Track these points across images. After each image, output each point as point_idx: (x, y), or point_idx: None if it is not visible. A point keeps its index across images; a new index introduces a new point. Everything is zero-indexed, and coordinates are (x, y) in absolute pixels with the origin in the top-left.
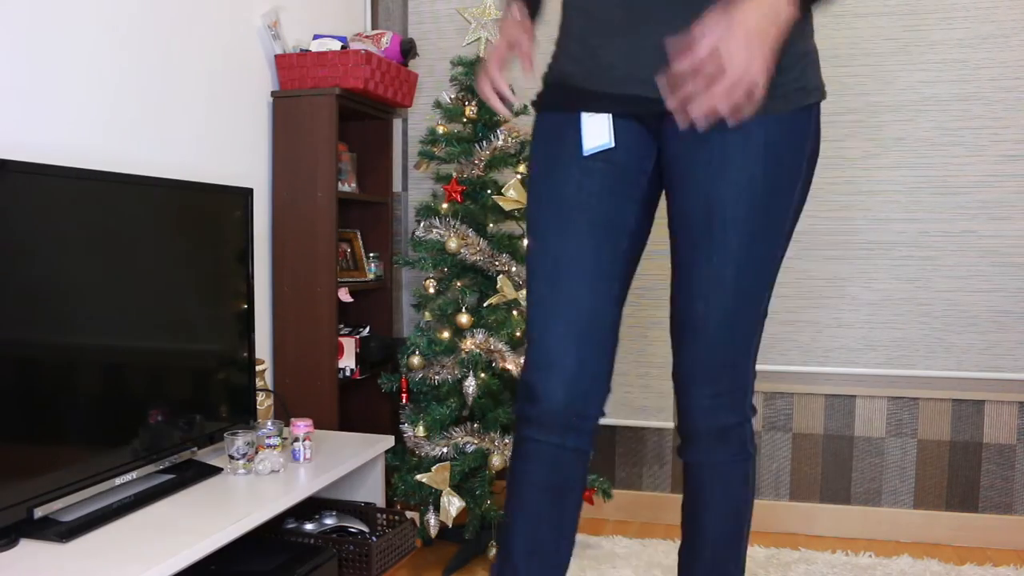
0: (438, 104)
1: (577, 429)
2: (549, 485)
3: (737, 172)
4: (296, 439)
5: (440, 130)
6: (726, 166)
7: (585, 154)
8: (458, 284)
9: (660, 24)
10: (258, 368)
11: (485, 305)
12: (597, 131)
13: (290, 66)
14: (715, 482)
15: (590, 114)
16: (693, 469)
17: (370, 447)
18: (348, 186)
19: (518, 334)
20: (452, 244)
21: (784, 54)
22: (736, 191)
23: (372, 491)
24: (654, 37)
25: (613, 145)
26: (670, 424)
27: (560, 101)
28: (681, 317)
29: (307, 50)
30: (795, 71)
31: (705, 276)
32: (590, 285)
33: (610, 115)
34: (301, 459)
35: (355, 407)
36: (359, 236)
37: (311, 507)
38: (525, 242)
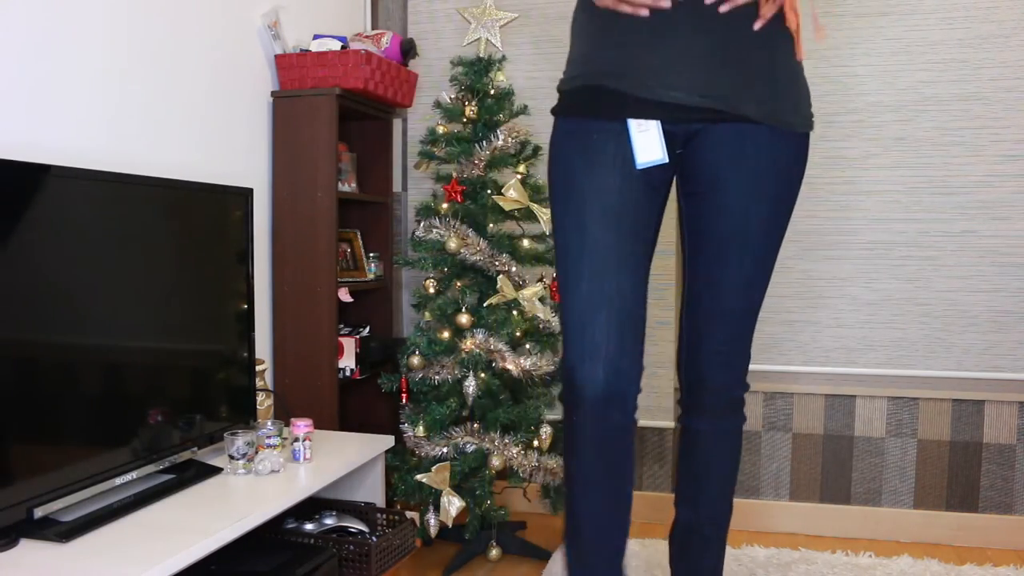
0: (438, 104)
1: (621, 406)
2: (603, 459)
3: (767, 192)
4: (296, 439)
5: (440, 130)
6: (761, 187)
7: (639, 167)
8: (458, 284)
9: (704, 32)
10: (258, 368)
11: (485, 305)
12: (649, 145)
13: (290, 66)
14: (724, 445)
15: (638, 123)
16: (707, 435)
17: (370, 447)
18: (348, 186)
19: (518, 334)
20: (452, 244)
21: (800, 82)
22: (768, 209)
23: (372, 491)
24: (700, 44)
25: (667, 161)
26: (670, 424)
27: (595, 107)
28: (709, 308)
29: (307, 50)
30: (808, 100)
31: (736, 275)
32: (630, 281)
33: (659, 123)
34: (301, 459)
35: (355, 407)
36: (359, 236)
37: (311, 507)
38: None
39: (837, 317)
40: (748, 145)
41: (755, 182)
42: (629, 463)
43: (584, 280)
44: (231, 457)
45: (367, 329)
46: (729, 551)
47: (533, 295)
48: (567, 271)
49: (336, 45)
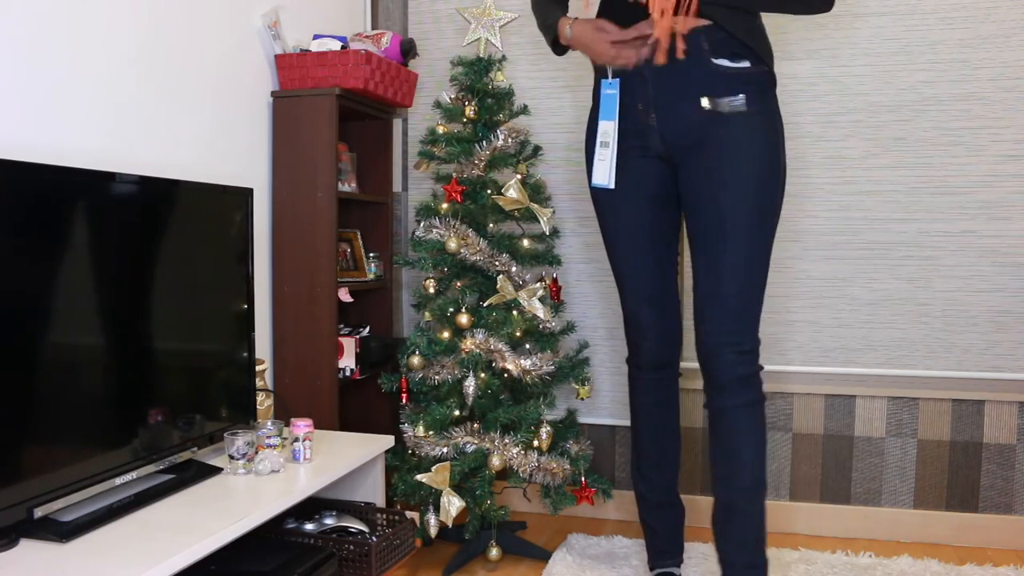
0: (438, 104)
1: (668, 364)
2: (657, 401)
3: (738, 191)
4: (296, 439)
5: (440, 130)
6: (727, 190)
7: (592, 186)
8: (458, 284)
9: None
10: (258, 368)
11: (485, 305)
12: (603, 173)
13: (290, 66)
14: (747, 419)
15: (599, 154)
16: (726, 412)
17: (370, 447)
18: (348, 186)
19: (518, 334)
20: (452, 244)
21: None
22: (739, 204)
23: (372, 491)
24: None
25: (612, 187)
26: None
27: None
28: (710, 291)
29: (307, 50)
30: (767, 64)
31: (729, 260)
32: (658, 281)
33: (612, 160)
34: (301, 459)
35: (355, 407)
36: (359, 236)
37: (311, 507)
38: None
39: (837, 317)
40: (715, 164)
41: (724, 188)
42: (676, 400)
43: (625, 282)
44: (231, 457)
45: (367, 329)
46: None
47: (533, 295)
48: (615, 273)
49: (336, 45)
